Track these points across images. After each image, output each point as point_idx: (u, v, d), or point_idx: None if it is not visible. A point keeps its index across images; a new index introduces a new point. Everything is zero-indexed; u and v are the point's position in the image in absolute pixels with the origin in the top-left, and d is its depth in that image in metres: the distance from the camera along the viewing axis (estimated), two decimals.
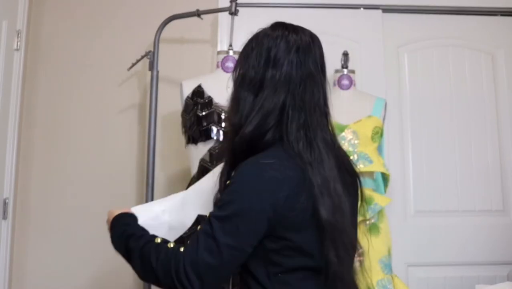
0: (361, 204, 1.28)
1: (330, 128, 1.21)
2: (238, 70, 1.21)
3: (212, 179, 1.30)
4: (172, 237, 1.28)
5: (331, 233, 1.08)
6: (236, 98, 1.19)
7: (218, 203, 1.12)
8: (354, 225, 1.24)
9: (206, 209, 1.23)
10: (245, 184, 1.09)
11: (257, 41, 1.19)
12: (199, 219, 1.35)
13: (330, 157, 1.14)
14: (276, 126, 1.14)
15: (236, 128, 1.17)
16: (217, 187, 1.23)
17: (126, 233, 1.19)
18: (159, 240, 1.13)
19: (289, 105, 1.13)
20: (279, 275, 1.10)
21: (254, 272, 1.11)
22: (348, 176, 1.22)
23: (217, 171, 1.28)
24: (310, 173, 1.09)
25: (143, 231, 1.21)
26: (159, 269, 1.07)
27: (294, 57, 1.16)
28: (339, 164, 1.17)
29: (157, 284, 1.11)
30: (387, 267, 1.93)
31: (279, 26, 1.21)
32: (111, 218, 1.27)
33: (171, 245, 1.10)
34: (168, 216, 1.35)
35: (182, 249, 1.07)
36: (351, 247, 1.18)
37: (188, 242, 1.09)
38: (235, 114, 1.18)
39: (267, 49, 1.16)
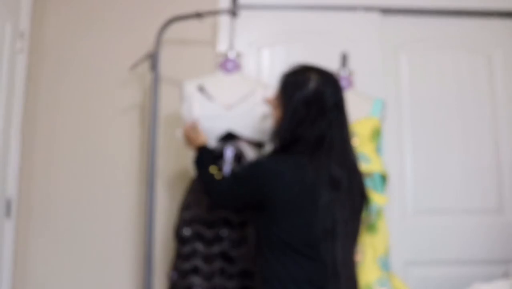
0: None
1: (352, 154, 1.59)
2: (284, 103, 1.56)
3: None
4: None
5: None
6: (283, 128, 1.56)
7: None
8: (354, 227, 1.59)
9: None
10: None
11: (303, 80, 1.55)
12: None
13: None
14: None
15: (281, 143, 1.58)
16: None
17: (199, 159, 1.79)
18: (213, 171, 1.73)
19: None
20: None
21: None
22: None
23: None
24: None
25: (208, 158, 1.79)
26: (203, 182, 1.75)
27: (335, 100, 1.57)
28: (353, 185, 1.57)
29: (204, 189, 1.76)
30: (385, 265, 1.95)
31: (313, 70, 1.59)
32: (195, 144, 1.83)
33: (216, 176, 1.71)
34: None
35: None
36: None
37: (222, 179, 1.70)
38: (279, 139, 1.58)
39: (315, 92, 1.54)
